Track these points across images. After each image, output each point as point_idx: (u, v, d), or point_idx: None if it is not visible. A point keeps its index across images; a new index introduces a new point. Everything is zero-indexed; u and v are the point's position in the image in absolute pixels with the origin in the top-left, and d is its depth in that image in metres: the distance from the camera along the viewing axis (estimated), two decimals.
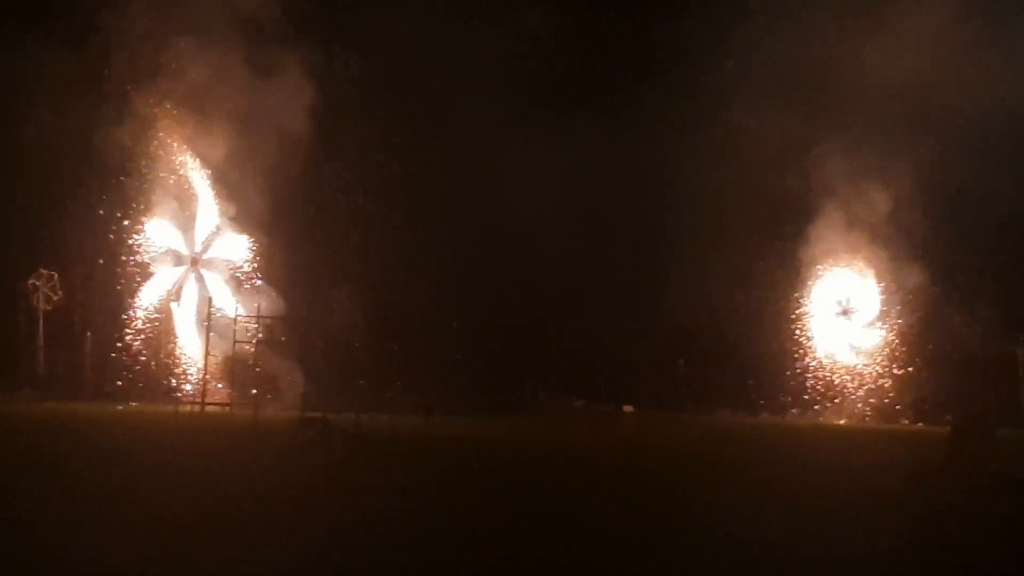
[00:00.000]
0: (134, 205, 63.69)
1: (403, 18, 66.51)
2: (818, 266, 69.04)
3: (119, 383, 63.21)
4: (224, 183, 63.16)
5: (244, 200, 63.19)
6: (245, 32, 62.62)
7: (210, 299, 60.80)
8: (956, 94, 61.62)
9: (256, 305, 57.32)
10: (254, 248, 63.80)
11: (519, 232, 69.91)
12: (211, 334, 53.96)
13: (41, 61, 61.43)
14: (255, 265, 63.96)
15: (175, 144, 63.12)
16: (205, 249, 63.65)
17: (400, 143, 66.18)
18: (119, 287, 64.26)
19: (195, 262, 63.65)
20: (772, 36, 64.96)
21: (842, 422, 66.03)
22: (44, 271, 64.44)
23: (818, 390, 68.73)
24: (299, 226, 63.32)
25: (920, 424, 63.78)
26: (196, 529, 19.39)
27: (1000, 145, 60.80)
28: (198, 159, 63.10)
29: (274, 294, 62.67)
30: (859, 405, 67.86)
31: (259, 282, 63.49)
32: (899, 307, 67.88)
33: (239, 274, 63.83)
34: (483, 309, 68.14)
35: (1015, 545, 20.62)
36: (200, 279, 63.61)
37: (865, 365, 68.35)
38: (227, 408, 49.47)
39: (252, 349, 55.69)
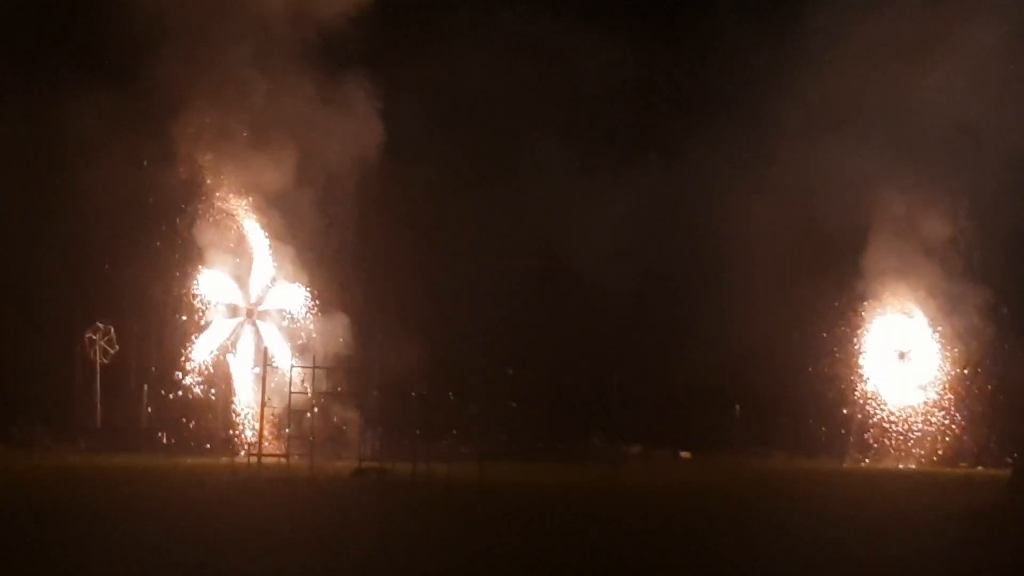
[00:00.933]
0: (190, 256, 63.99)
1: (463, 61, 67.13)
2: (875, 308, 68.57)
3: (175, 435, 63.47)
4: (281, 232, 63.46)
5: (301, 249, 63.49)
6: (302, 80, 63.07)
7: (266, 349, 60.97)
8: (1017, 128, 61.51)
9: (312, 355, 57.41)
10: (310, 297, 63.97)
11: (573, 277, 70.00)
12: (267, 384, 54.00)
13: (94, 112, 62.07)
14: (311, 315, 64.13)
15: (230, 194, 63.47)
16: (261, 300, 63.88)
17: (456, 189, 66.48)
18: (175, 339, 64.56)
19: (251, 313, 63.91)
20: (828, 74, 65.13)
21: (900, 466, 65.42)
22: (101, 325, 64.90)
23: (875, 433, 68.15)
24: (355, 274, 63.49)
25: (980, 467, 63.15)
26: None
27: None
28: (254, 208, 63.42)
29: (331, 343, 62.82)
30: (917, 448, 67.24)
31: (314, 332, 63.70)
32: (957, 349, 67.30)
33: (295, 324, 64.02)
34: (538, 355, 68.10)
35: None
36: (256, 330, 63.84)
37: (923, 408, 67.74)
38: (283, 459, 49.51)
39: (309, 399, 55.73)
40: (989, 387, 66.25)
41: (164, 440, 63.42)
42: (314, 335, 63.14)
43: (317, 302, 63.89)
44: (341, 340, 62.78)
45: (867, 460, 66.56)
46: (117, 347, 65.04)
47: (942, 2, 64.35)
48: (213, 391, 63.98)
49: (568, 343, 69.51)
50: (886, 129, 65.65)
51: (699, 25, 70.48)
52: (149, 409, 65.16)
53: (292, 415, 53.69)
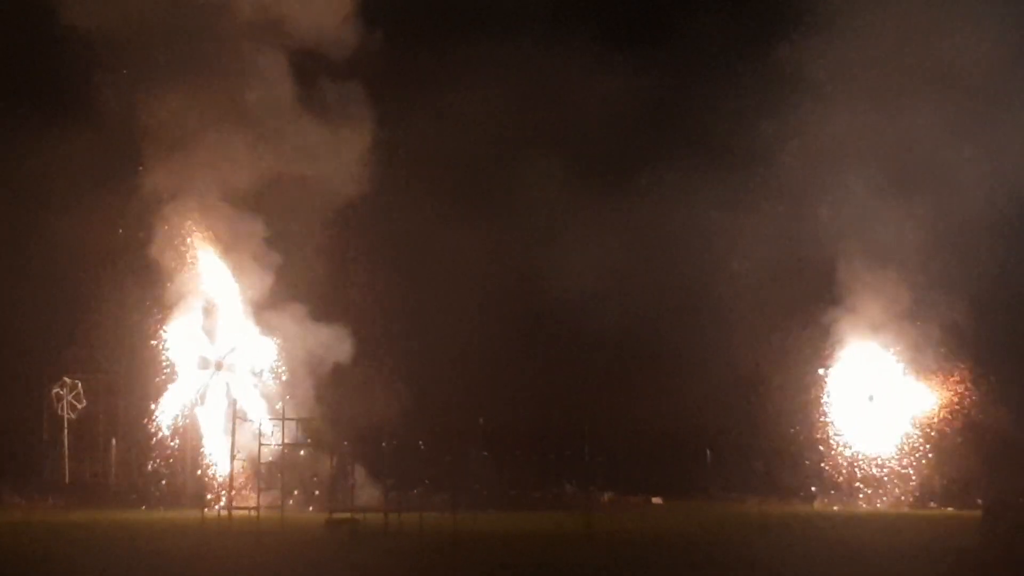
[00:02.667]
0: (158, 311, 63.80)
1: (443, 109, 67.39)
2: (843, 352, 68.81)
3: (144, 490, 63.12)
4: (249, 286, 63.35)
5: (269, 301, 63.35)
6: (274, 135, 63.15)
7: (235, 402, 60.79)
8: (988, 173, 62.11)
9: (281, 407, 57.23)
10: (279, 350, 63.82)
11: (546, 326, 70.16)
12: (236, 437, 53.79)
13: (61, 168, 62.06)
14: (280, 367, 63.97)
15: (198, 249, 63.37)
16: (229, 352, 63.70)
17: (429, 238, 66.63)
18: (143, 393, 64.29)
19: (219, 366, 63.72)
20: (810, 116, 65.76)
21: (873, 507, 65.49)
22: (68, 379, 64.65)
23: (846, 476, 68.23)
24: (324, 328, 63.27)
25: (950, 508, 63.28)
26: None
27: None
28: (221, 262, 63.33)
29: (299, 396, 62.63)
30: (887, 490, 67.36)
31: (282, 383, 63.55)
32: (926, 391, 67.56)
33: (264, 376, 63.85)
34: (509, 405, 68.05)
35: None
36: (225, 382, 63.63)
37: (894, 450, 67.92)
38: (254, 512, 49.22)
39: (279, 452, 55.51)
40: (958, 429, 66.51)
41: (134, 495, 63.02)
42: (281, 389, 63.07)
43: (284, 358, 63.87)
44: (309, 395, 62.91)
45: (838, 503, 66.66)
46: (84, 402, 64.78)
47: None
48: (181, 445, 63.71)
49: (540, 392, 69.55)
50: (861, 171, 66.11)
51: (680, 64, 70.98)
52: (118, 464, 64.82)
53: (262, 467, 53.45)
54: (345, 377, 63.44)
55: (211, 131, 62.38)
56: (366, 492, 54.13)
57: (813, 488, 68.56)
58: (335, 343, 62.57)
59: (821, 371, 69.11)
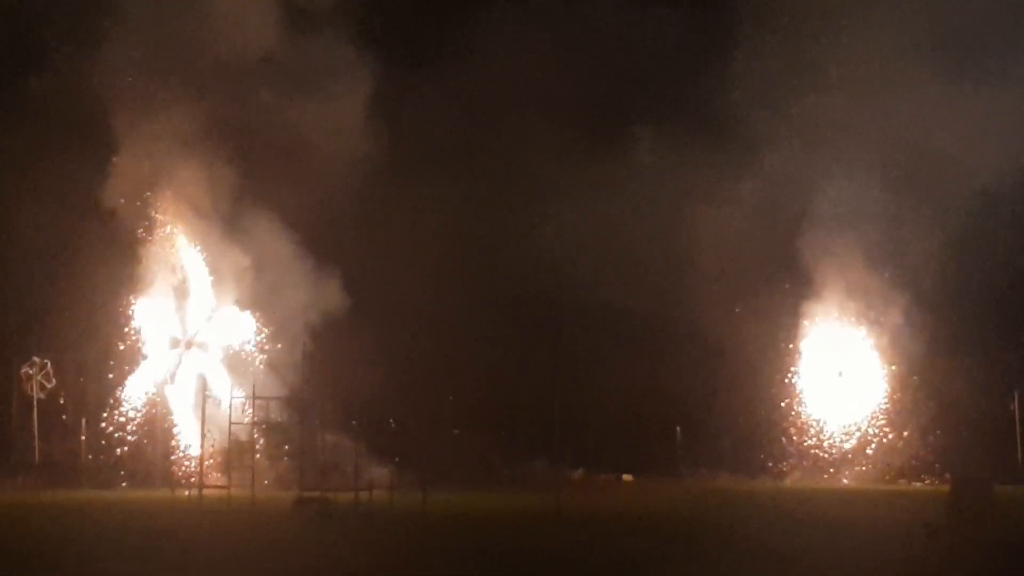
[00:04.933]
0: (127, 289, 63.55)
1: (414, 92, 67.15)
2: (813, 328, 69.04)
3: (115, 469, 62.91)
4: (219, 263, 63.10)
5: (240, 280, 63.10)
6: (243, 105, 62.81)
7: (205, 381, 60.66)
8: (958, 152, 62.28)
9: (252, 385, 57.12)
10: (250, 328, 63.67)
11: (515, 304, 70.00)
12: (207, 416, 53.70)
13: (28, 145, 61.63)
14: (251, 345, 63.84)
15: (169, 225, 63.10)
16: (200, 331, 63.51)
17: (387, 227, 66.40)
18: (113, 372, 64.08)
19: (189, 344, 63.55)
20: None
21: (842, 483, 65.81)
22: (37, 359, 64.31)
23: (816, 453, 68.52)
24: (295, 305, 63.05)
25: (919, 483, 63.64)
26: None
27: (996, 202, 61.33)
28: (192, 239, 63.08)
29: (270, 374, 62.54)
30: (857, 466, 67.66)
31: (254, 362, 63.41)
32: (895, 366, 67.86)
33: (234, 354, 63.70)
34: (478, 382, 68.04)
35: None
36: (195, 361, 63.46)
37: (860, 426, 68.19)
38: (225, 491, 49.16)
39: (250, 431, 55.44)
40: (927, 405, 66.81)
41: (104, 475, 62.82)
42: (251, 368, 62.91)
43: (255, 335, 63.71)
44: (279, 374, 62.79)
45: (808, 480, 66.93)
46: (54, 381, 64.48)
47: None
48: (151, 425, 63.52)
49: (510, 369, 69.53)
50: (836, 150, 66.27)
51: (667, 28, 70.72)
52: (88, 444, 64.58)
53: (233, 446, 53.35)
54: (316, 356, 63.37)
55: (183, 97, 62.04)
56: (336, 471, 54.02)
57: (783, 465, 68.85)
58: (304, 319, 62.56)
59: (791, 346, 69.46)
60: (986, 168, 61.19)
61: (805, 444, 68.73)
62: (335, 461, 54.81)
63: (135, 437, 63.44)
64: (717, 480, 67.87)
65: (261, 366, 63.00)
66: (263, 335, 63.74)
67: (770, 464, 68.97)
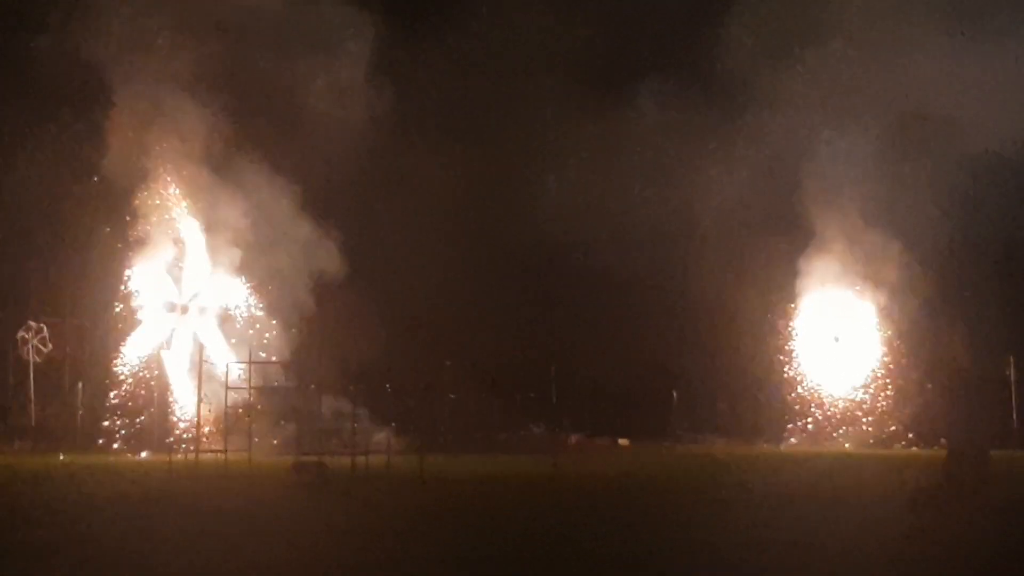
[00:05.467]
0: (124, 253, 63.44)
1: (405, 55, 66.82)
2: (810, 291, 69.06)
3: (111, 433, 62.94)
4: (216, 225, 62.95)
5: (236, 245, 62.99)
6: (241, 63, 62.51)
7: (201, 345, 60.58)
8: (960, 112, 62.10)
9: (249, 349, 57.06)
10: (247, 293, 63.61)
11: (513, 268, 69.93)
12: (203, 380, 53.62)
13: (21, 107, 61.44)
14: (248, 310, 63.80)
15: (166, 191, 62.93)
16: (196, 295, 63.42)
17: (393, 186, 66.21)
18: (109, 337, 64.06)
19: (185, 309, 63.48)
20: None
21: (838, 447, 65.91)
22: (33, 323, 64.32)
23: (812, 417, 68.64)
24: (291, 270, 62.96)
25: (914, 448, 63.75)
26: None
27: (994, 167, 61.21)
28: (188, 200, 62.92)
29: (267, 339, 62.54)
30: (853, 431, 67.77)
31: (252, 326, 63.36)
32: (890, 331, 67.91)
33: (232, 319, 63.68)
34: (475, 347, 68.02)
35: (1012, 570, 20.57)
36: (192, 325, 63.41)
37: (857, 390, 68.29)
38: (221, 455, 49.16)
39: (246, 395, 55.39)
40: (923, 369, 66.90)
41: (101, 439, 62.86)
42: (250, 331, 62.87)
43: (253, 300, 63.65)
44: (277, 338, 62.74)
45: (804, 445, 67.08)
46: (50, 346, 64.51)
47: None
48: (147, 389, 63.52)
49: (507, 334, 69.50)
50: (837, 110, 66.09)
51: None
52: (84, 408, 64.63)
53: (229, 411, 53.29)
54: (314, 320, 63.37)
55: (179, 55, 61.79)
56: (333, 435, 53.96)
57: (779, 429, 68.96)
58: (303, 283, 62.52)
59: (792, 306, 69.50)
60: (988, 129, 61.02)
61: (801, 409, 68.87)
62: (333, 426, 54.78)
63: (131, 402, 63.44)
64: (713, 445, 67.97)
65: (258, 330, 62.99)
66: (260, 298, 63.70)
67: (766, 429, 69.13)
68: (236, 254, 62.77)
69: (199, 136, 61.65)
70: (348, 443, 46.66)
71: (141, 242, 62.91)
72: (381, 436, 52.65)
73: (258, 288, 63.53)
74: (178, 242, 63.41)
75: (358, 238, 63.65)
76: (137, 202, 62.53)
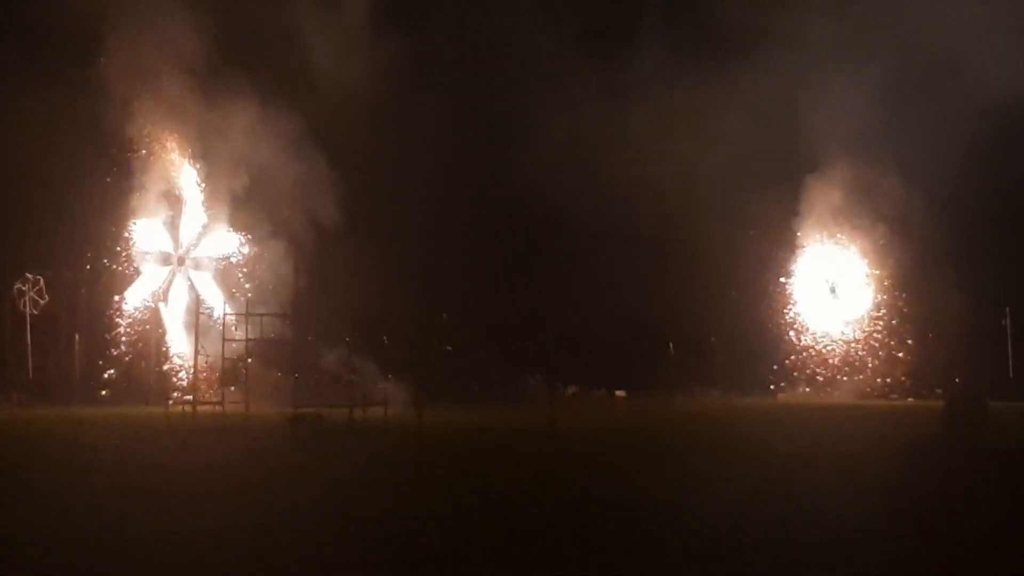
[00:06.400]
0: (121, 205, 63.32)
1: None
2: (805, 244, 69.02)
3: (109, 386, 62.99)
4: (213, 180, 62.79)
5: (233, 197, 62.86)
6: (231, 27, 62.21)
7: (198, 297, 60.57)
8: (961, 60, 61.85)
9: (245, 302, 57.03)
10: (244, 245, 63.52)
11: (508, 222, 69.80)
12: (200, 332, 53.62)
13: (23, 64, 61.15)
14: (244, 262, 63.72)
15: (163, 142, 62.71)
16: (193, 248, 63.32)
17: (392, 137, 65.90)
18: (106, 289, 64.01)
19: (182, 261, 63.39)
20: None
21: (835, 398, 66.00)
22: (30, 275, 64.23)
23: (808, 368, 68.73)
24: (288, 222, 62.83)
25: (911, 399, 63.81)
26: (190, 532, 19.23)
27: (990, 118, 60.99)
28: (186, 156, 62.72)
29: (264, 291, 62.47)
30: (849, 381, 67.89)
31: (249, 278, 63.33)
32: (887, 282, 67.89)
33: (228, 271, 63.61)
34: (473, 299, 68.02)
35: (1011, 518, 20.58)
36: (188, 278, 63.34)
37: (854, 342, 68.34)
38: (218, 407, 49.14)
39: (243, 347, 55.32)
40: (919, 320, 66.94)
41: (98, 391, 62.93)
42: (246, 285, 62.82)
43: (249, 253, 63.54)
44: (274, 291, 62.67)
45: (800, 396, 67.20)
46: (47, 297, 64.44)
47: None
48: (145, 341, 63.53)
49: (505, 286, 69.49)
50: (839, 64, 65.74)
51: None
52: (81, 360, 64.67)
53: (226, 362, 53.27)
54: (312, 271, 63.32)
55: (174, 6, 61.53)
56: (330, 387, 53.93)
57: (776, 381, 69.09)
58: (300, 238, 62.43)
59: (783, 266, 69.45)
60: (989, 78, 60.75)
61: (798, 360, 68.95)
62: (330, 377, 54.81)
63: (129, 354, 63.47)
64: (710, 397, 68.09)
65: (256, 282, 62.96)
66: (257, 250, 63.62)
67: (763, 380, 69.27)
68: (234, 205, 62.63)
69: (195, 87, 61.44)
70: (346, 395, 46.58)
71: (137, 194, 62.75)
72: (379, 388, 52.68)
73: (256, 240, 63.37)
74: (175, 193, 63.24)
75: (356, 190, 63.44)
76: (133, 154, 62.34)
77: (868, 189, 66.51)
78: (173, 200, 63.64)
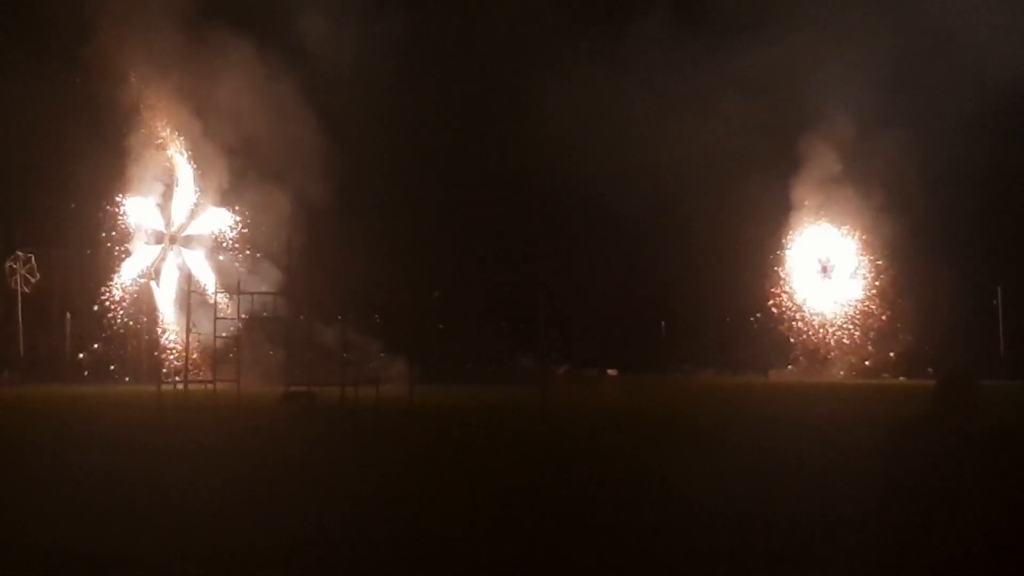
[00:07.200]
0: (113, 183, 63.19)
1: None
2: (800, 223, 69.11)
3: (100, 364, 62.96)
4: (203, 158, 62.64)
5: (224, 174, 62.72)
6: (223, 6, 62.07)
7: (190, 275, 60.46)
8: (956, 40, 61.89)
9: (237, 281, 56.93)
10: (236, 223, 63.41)
11: (500, 201, 69.80)
12: (192, 311, 53.49)
13: (13, 41, 61.02)
14: (236, 240, 63.62)
15: (154, 120, 62.54)
16: (184, 226, 63.22)
17: (382, 112, 65.67)
18: (97, 267, 63.93)
19: (173, 239, 63.30)
20: None
21: (826, 377, 66.15)
22: (21, 253, 64.16)
23: (800, 347, 68.86)
24: (281, 201, 62.69)
25: (902, 378, 63.96)
26: (178, 508, 19.23)
27: (982, 99, 61.08)
28: (177, 134, 62.56)
29: (256, 268, 62.38)
30: (840, 361, 68.03)
31: (241, 256, 63.23)
32: (879, 262, 68.03)
33: (220, 249, 63.53)
34: (465, 278, 68.05)
35: (1002, 496, 20.59)
36: (180, 256, 63.26)
37: (846, 321, 68.46)
38: (210, 385, 49.10)
39: (235, 325, 55.23)
40: (910, 301, 67.08)
41: (89, 370, 62.90)
42: (238, 265, 62.74)
43: (241, 231, 63.45)
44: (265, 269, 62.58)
45: (791, 375, 67.33)
46: (38, 276, 64.37)
47: None
48: (136, 320, 63.45)
49: (495, 267, 69.55)
50: (837, 42, 65.71)
51: None
52: (73, 339, 64.62)
53: (218, 341, 53.25)
54: (304, 249, 63.21)
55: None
56: (321, 366, 53.89)
57: (767, 360, 69.20)
58: (293, 216, 62.25)
59: (775, 246, 69.53)
60: (988, 54, 60.84)
61: (789, 340, 69.08)
62: (322, 355, 54.79)
63: (121, 332, 63.42)
64: (702, 375, 68.17)
65: (248, 259, 62.88)
66: (249, 228, 63.53)
67: (753, 360, 69.38)
68: (226, 183, 62.54)
69: (188, 63, 61.34)
70: (337, 373, 46.55)
71: (130, 172, 62.65)
72: (371, 366, 52.69)
73: (248, 217, 63.30)
74: (167, 172, 63.14)
75: (351, 165, 63.29)
76: (126, 132, 62.24)
77: (864, 153, 66.50)
78: (165, 178, 63.47)
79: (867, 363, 67.72)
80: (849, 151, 66.95)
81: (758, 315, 70.60)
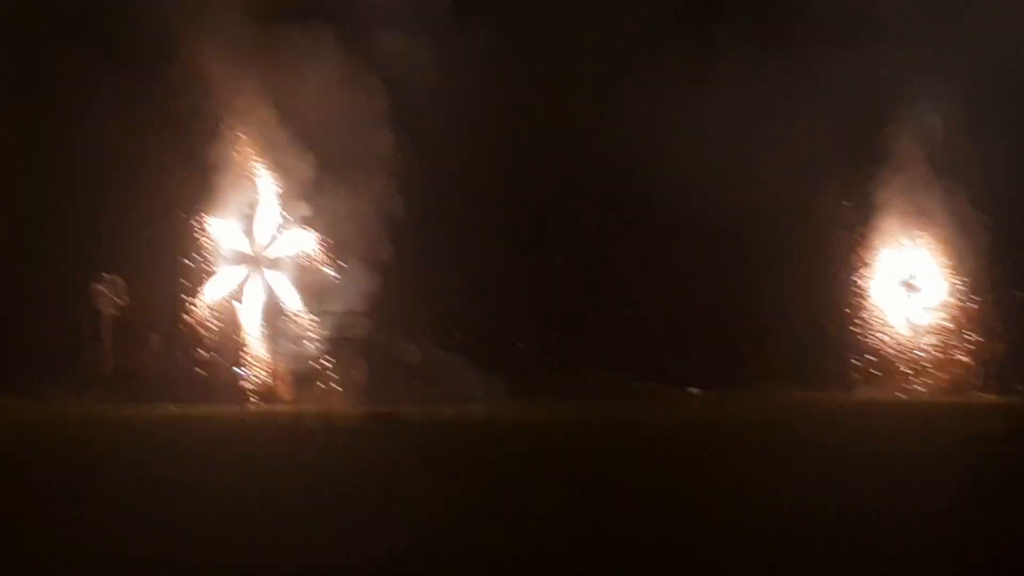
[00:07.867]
0: (196, 203, 63.63)
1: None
2: (882, 236, 68.45)
3: (184, 385, 63.35)
4: (289, 177, 62.87)
5: (310, 194, 62.92)
6: (311, 18, 62.20)
7: (274, 296, 60.78)
8: None
9: (319, 300, 57.23)
10: (320, 243, 63.63)
11: (576, 208, 69.41)
12: (276, 332, 53.85)
13: (95, 61, 61.52)
14: (320, 260, 63.84)
15: (239, 141, 62.87)
16: (268, 246, 63.56)
17: (454, 127, 65.67)
18: (182, 288, 64.33)
19: (258, 260, 63.65)
20: None
21: (913, 395, 65.41)
22: (109, 276, 64.72)
23: (886, 364, 68.14)
24: (365, 222, 62.68)
25: (992, 396, 63.22)
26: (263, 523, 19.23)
27: None
28: (262, 154, 62.87)
29: (340, 288, 62.58)
30: (927, 377, 67.27)
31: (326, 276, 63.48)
32: (966, 279, 67.22)
33: (305, 268, 63.76)
34: (541, 291, 67.80)
35: None
36: (264, 277, 63.59)
37: (931, 336, 67.77)
38: (295, 407, 49.38)
39: (318, 346, 55.56)
40: (997, 315, 66.31)
41: (172, 390, 63.28)
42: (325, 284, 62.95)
43: (325, 250, 63.64)
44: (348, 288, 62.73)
45: (878, 392, 66.61)
46: (126, 299, 64.90)
47: None
48: (220, 340, 63.84)
49: (571, 279, 69.18)
50: (911, 48, 64.85)
51: None
52: (157, 359, 65.09)
53: (302, 362, 53.54)
54: (389, 267, 63.22)
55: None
56: (403, 386, 53.97)
57: (852, 377, 68.47)
58: (375, 236, 62.31)
59: (858, 259, 68.90)
60: None
61: (875, 356, 68.37)
62: (407, 375, 54.97)
63: (203, 353, 63.83)
64: (784, 392, 67.52)
65: (332, 279, 63.07)
66: (333, 247, 63.70)
67: (839, 376, 68.61)
68: (309, 201, 62.73)
69: (270, 85, 61.57)
70: (423, 393, 46.66)
71: (213, 192, 63.01)
72: (456, 384, 52.75)
73: (332, 236, 63.40)
74: (250, 189, 63.49)
75: (429, 183, 63.22)
76: (209, 151, 62.53)
77: (941, 192, 65.80)
78: (249, 195, 63.86)
79: (956, 380, 66.84)
80: (940, 158, 66.10)
81: (842, 328, 69.82)
